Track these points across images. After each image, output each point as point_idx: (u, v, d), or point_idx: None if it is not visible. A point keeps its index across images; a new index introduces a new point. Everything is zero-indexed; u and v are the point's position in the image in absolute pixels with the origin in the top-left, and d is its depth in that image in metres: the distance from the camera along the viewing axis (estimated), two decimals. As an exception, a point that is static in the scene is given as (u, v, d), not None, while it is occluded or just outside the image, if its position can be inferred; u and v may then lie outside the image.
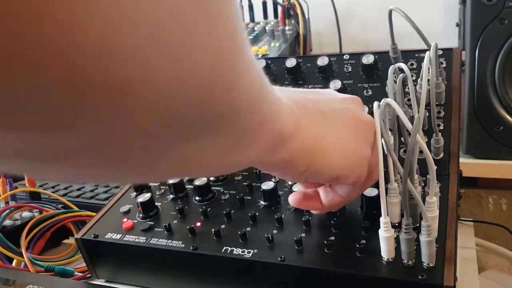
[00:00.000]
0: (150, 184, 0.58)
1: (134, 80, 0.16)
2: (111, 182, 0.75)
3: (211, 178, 0.56)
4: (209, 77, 0.19)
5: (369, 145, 0.38)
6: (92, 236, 0.50)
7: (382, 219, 0.38)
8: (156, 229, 0.50)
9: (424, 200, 0.39)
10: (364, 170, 0.37)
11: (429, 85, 0.47)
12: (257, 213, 0.48)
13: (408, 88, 0.45)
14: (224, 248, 0.45)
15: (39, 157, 0.19)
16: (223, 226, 0.48)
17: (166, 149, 0.21)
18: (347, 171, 0.36)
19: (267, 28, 1.07)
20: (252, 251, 0.44)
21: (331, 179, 0.37)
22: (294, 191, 0.48)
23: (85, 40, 0.14)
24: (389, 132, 0.43)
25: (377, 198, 0.42)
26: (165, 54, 0.17)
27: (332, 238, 0.43)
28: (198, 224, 0.49)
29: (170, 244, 0.47)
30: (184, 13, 0.17)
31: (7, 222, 0.64)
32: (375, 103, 0.38)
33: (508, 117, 0.75)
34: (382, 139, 0.38)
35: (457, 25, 0.97)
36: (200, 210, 0.50)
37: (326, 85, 0.57)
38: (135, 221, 0.51)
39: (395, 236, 0.39)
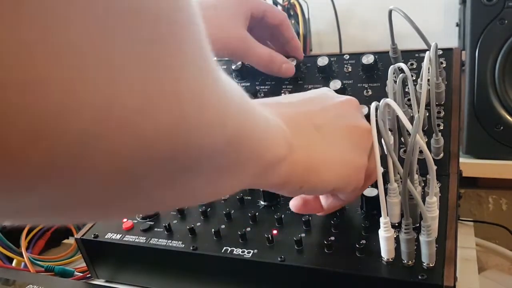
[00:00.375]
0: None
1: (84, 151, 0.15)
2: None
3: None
4: (169, 136, 0.18)
5: (365, 153, 0.37)
6: (92, 236, 0.50)
7: (382, 219, 0.38)
8: (156, 229, 0.50)
9: (424, 200, 0.39)
10: (361, 179, 0.37)
11: (429, 85, 0.47)
12: (257, 213, 0.48)
13: (408, 88, 0.45)
14: (224, 248, 0.45)
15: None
16: (223, 226, 0.48)
17: (135, 197, 0.20)
18: (343, 183, 0.36)
19: (267, 28, 1.07)
20: (252, 251, 0.44)
21: (327, 193, 0.37)
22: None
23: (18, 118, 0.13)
24: (389, 132, 0.43)
25: (377, 198, 0.42)
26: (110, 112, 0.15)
27: (332, 238, 0.43)
28: (199, 224, 0.49)
29: (170, 244, 0.47)
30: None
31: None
32: (373, 104, 0.38)
33: (508, 117, 0.75)
34: (382, 139, 0.38)
35: (457, 25, 0.97)
36: (200, 210, 0.50)
37: (326, 85, 0.57)
38: (135, 221, 0.52)
39: (395, 236, 0.39)
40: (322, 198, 0.41)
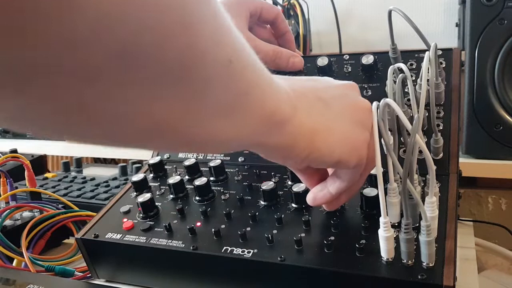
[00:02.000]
0: (150, 184, 0.58)
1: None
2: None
3: (211, 178, 0.56)
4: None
5: (367, 130, 0.38)
6: (93, 236, 0.50)
7: (381, 219, 0.38)
8: (156, 229, 0.50)
9: (423, 200, 0.39)
10: (364, 153, 0.38)
11: (428, 85, 0.47)
12: (257, 213, 0.48)
13: (408, 88, 0.45)
14: (224, 248, 0.45)
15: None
16: (223, 226, 0.48)
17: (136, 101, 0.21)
18: (348, 154, 0.37)
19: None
20: (252, 251, 0.44)
21: (332, 163, 0.37)
22: (294, 191, 0.48)
23: None
24: (389, 132, 0.43)
25: (377, 198, 0.42)
26: None
27: (332, 238, 0.43)
28: (198, 224, 0.49)
29: (170, 244, 0.47)
30: None
31: (8, 222, 0.64)
32: (374, 103, 0.38)
33: (508, 117, 0.75)
34: (382, 139, 0.38)
35: (457, 25, 0.97)
36: (200, 210, 0.50)
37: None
38: (135, 221, 0.52)
39: (394, 236, 0.39)
40: (330, 184, 0.42)
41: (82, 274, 0.56)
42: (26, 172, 0.74)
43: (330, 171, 0.43)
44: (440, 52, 0.55)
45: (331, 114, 0.36)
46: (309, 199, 0.43)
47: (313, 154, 0.35)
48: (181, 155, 0.63)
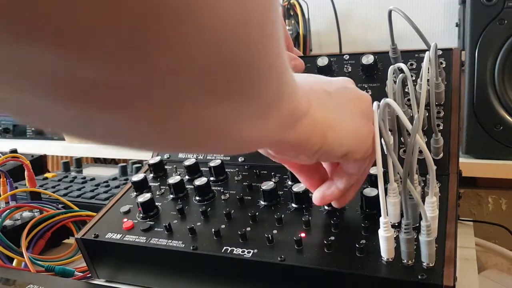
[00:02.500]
0: (150, 184, 0.58)
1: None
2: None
3: (212, 178, 0.56)
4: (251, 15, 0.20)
5: (370, 121, 0.39)
6: (93, 236, 0.50)
7: (381, 219, 0.38)
8: (156, 229, 0.50)
9: (424, 200, 0.39)
10: (370, 144, 0.39)
11: (428, 85, 0.47)
12: (257, 213, 0.48)
13: (408, 88, 0.45)
14: (224, 248, 0.45)
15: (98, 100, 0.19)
16: (223, 226, 0.48)
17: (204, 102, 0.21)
18: (356, 146, 0.37)
19: (267, 28, 1.07)
20: (252, 251, 0.44)
21: (342, 156, 0.38)
22: (294, 191, 0.48)
23: None
24: (389, 132, 0.43)
25: (377, 198, 0.42)
26: None
27: (332, 238, 0.43)
28: (199, 224, 0.49)
29: (170, 244, 0.47)
30: None
31: (8, 222, 0.64)
32: (375, 103, 0.38)
33: (508, 117, 0.75)
34: (382, 139, 0.38)
35: (457, 25, 0.97)
36: (200, 210, 0.50)
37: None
38: (135, 221, 0.52)
39: (395, 236, 0.39)
40: (336, 179, 0.42)
41: (82, 274, 0.56)
42: (26, 172, 0.74)
43: (327, 168, 0.43)
44: (440, 52, 0.55)
45: (338, 106, 0.37)
46: (317, 198, 0.43)
47: (324, 147, 0.35)
48: (181, 155, 0.63)
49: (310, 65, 0.60)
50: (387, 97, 0.41)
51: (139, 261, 0.50)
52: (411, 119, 0.42)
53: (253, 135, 0.28)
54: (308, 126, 0.33)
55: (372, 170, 0.47)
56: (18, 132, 1.20)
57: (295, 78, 0.31)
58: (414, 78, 0.52)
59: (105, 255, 0.52)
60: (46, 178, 0.89)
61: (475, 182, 0.97)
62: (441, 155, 0.49)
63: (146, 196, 0.52)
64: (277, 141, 0.33)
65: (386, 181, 0.41)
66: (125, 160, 1.11)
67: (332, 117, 0.36)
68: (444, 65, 0.54)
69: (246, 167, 0.57)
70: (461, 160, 0.52)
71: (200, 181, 0.53)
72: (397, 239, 0.39)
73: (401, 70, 0.44)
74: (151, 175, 0.60)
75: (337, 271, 0.40)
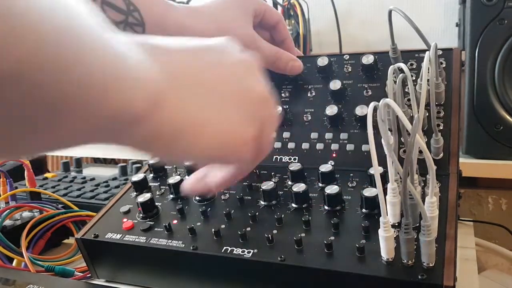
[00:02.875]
0: (150, 184, 0.58)
1: None
2: None
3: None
4: None
5: (256, 122, 0.32)
6: (92, 236, 0.50)
7: (381, 219, 0.38)
8: (156, 229, 0.50)
9: (423, 200, 0.39)
10: (247, 150, 0.32)
11: (428, 85, 0.47)
12: (257, 213, 0.48)
13: (408, 88, 0.45)
14: (224, 248, 0.45)
15: None
16: (223, 226, 0.48)
17: None
18: (222, 152, 0.31)
19: (267, 28, 1.07)
20: (252, 251, 0.44)
21: (204, 162, 0.34)
22: (294, 191, 0.48)
23: None
24: (389, 132, 0.43)
25: (377, 198, 0.42)
26: None
27: (332, 238, 0.43)
28: (199, 224, 0.49)
29: (170, 244, 0.47)
30: None
31: (8, 222, 0.64)
32: (371, 104, 0.38)
33: (508, 117, 0.75)
34: (382, 139, 0.38)
35: (457, 25, 0.97)
36: (200, 210, 0.50)
37: (326, 85, 0.57)
38: (135, 221, 0.52)
39: (395, 236, 0.39)
40: (209, 177, 0.38)
41: (82, 274, 0.56)
42: (26, 172, 0.74)
43: None
44: (440, 52, 0.55)
45: (208, 103, 0.30)
46: (185, 188, 0.38)
47: (176, 152, 0.29)
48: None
49: (310, 65, 0.60)
50: (387, 97, 0.41)
51: (139, 261, 0.50)
52: (411, 119, 0.42)
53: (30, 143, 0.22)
54: (148, 132, 0.26)
55: (371, 171, 0.47)
56: None
57: (138, 70, 0.25)
58: (414, 78, 0.52)
59: (105, 255, 0.52)
60: (46, 178, 0.89)
61: (475, 182, 0.97)
62: (441, 155, 0.49)
63: (146, 196, 0.52)
64: (104, 141, 0.27)
65: (386, 181, 0.41)
66: (125, 160, 1.11)
67: (195, 118, 0.29)
68: (444, 65, 0.54)
69: (246, 167, 0.57)
70: (461, 160, 0.52)
71: (200, 181, 0.53)
72: (397, 239, 0.39)
73: (401, 70, 0.44)
74: (151, 175, 0.60)
75: (337, 271, 0.40)
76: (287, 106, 0.59)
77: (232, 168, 0.36)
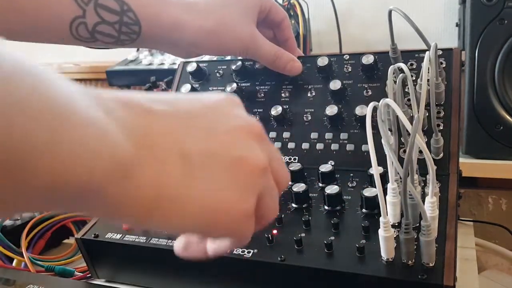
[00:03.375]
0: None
1: None
2: None
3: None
4: None
5: (252, 194, 0.29)
6: (92, 236, 0.50)
7: (381, 219, 0.38)
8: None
9: (424, 200, 0.39)
10: (244, 225, 0.29)
11: (429, 85, 0.47)
12: (257, 213, 0.48)
13: (408, 88, 0.45)
14: (224, 248, 0.45)
15: None
16: (223, 226, 0.48)
17: None
18: (213, 228, 0.28)
19: (267, 28, 1.07)
20: (252, 251, 0.44)
21: (185, 233, 0.32)
22: (294, 191, 0.48)
23: None
24: (389, 132, 0.43)
25: (377, 198, 0.42)
26: None
27: (332, 238, 0.43)
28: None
29: (170, 244, 0.47)
30: None
31: (7, 222, 0.64)
32: (370, 104, 0.38)
33: (508, 117, 0.75)
34: (382, 139, 0.38)
35: (457, 25, 0.97)
36: (200, 210, 0.50)
37: (326, 85, 0.57)
38: (135, 221, 0.51)
39: (395, 236, 0.39)
40: (208, 242, 0.34)
41: (82, 274, 0.56)
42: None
43: None
44: (440, 52, 0.55)
45: (191, 177, 0.26)
46: (178, 249, 0.34)
47: (151, 224, 0.27)
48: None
49: (310, 65, 0.60)
50: (387, 97, 0.41)
51: (139, 261, 0.50)
52: (411, 119, 0.42)
53: None
54: (116, 201, 0.23)
55: (371, 171, 0.47)
56: None
57: (108, 132, 0.22)
58: (414, 78, 0.52)
59: (105, 255, 0.52)
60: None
61: (475, 182, 0.97)
62: (441, 155, 0.49)
63: (146, 196, 0.52)
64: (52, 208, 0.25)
65: (386, 181, 0.41)
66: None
67: (170, 193, 0.25)
68: (444, 65, 0.54)
69: (246, 167, 0.57)
70: (461, 160, 0.52)
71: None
72: (397, 239, 0.39)
73: (401, 70, 0.44)
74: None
75: (337, 271, 0.40)
76: (287, 106, 0.59)
77: (230, 240, 0.32)
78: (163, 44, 0.57)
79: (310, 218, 0.45)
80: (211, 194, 0.27)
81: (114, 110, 0.24)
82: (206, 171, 0.27)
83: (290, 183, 0.52)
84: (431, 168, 0.37)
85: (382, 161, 0.39)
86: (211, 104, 0.30)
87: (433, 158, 0.41)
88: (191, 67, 0.64)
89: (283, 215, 0.47)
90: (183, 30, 0.54)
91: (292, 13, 1.08)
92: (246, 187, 0.28)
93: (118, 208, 0.24)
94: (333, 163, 0.52)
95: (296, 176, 0.52)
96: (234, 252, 0.44)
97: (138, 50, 1.14)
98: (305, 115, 0.57)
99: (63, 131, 0.20)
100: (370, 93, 0.56)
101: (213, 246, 0.34)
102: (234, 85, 0.61)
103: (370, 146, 0.37)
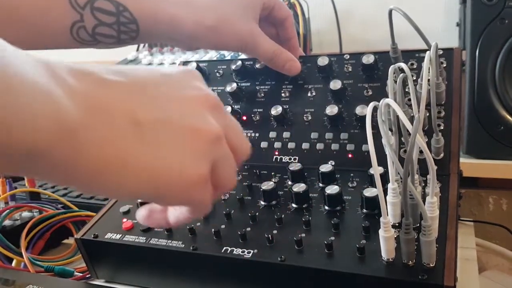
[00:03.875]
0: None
1: None
2: None
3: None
4: None
5: (204, 161, 0.29)
6: (92, 236, 0.50)
7: (382, 219, 0.38)
8: (156, 229, 0.50)
9: (424, 200, 0.39)
10: (198, 191, 0.29)
11: (429, 85, 0.47)
12: (257, 213, 0.48)
13: (409, 88, 0.44)
14: (224, 248, 0.45)
15: None
16: (223, 226, 0.48)
17: None
18: (163, 193, 0.28)
19: (267, 28, 1.07)
20: (252, 251, 0.44)
21: (145, 199, 0.32)
22: (294, 191, 0.48)
23: None
24: (389, 132, 0.43)
25: (377, 198, 0.42)
26: None
27: (332, 238, 0.43)
28: (199, 224, 0.49)
29: (170, 244, 0.47)
30: None
31: (7, 222, 0.63)
32: (370, 104, 0.38)
33: (508, 117, 0.75)
34: (382, 139, 0.38)
35: (458, 24, 0.97)
36: (200, 210, 0.50)
37: (326, 85, 0.57)
38: (135, 221, 0.51)
39: (395, 236, 0.39)
40: (170, 210, 0.35)
41: (81, 274, 0.56)
42: (25, 172, 0.74)
43: None
44: (441, 52, 0.55)
45: (143, 143, 0.27)
46: (141, 217, 0.35)
47: (97, 188, 0.27)
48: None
49: (310, 64, 0.60)
50: (387, 97, 0.41)
51: (139, 261, 0.50)
52: (411, 119, 0.42)
53: None
54: (54, 165, 0.24)
55: (371, 171, 0.47)
56: None
57: (54, 99, 0.23)
58: (414, 78, 0.52)
59: (105, 255, 0.52)
60: (46, 178, 0.89)
61: (476, 182, 0.97)
62: (442, 155, 0.49)
63: (145, 196, 0.52)
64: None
65: (386, 181, 0.41)
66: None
67: (117, 154, 0.26)
68: (444, 65, 0.54)
69: (246, 167, 0.57)
70: (461, 160, 0.52)
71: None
72: (397, 239, 0.39)
73: (402, 70, 0.44)
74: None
75: (337, 272, 0.40)
76: (287, 106, 0.59)
77: (189, 208, 0.33)
78: (164, 39, 0.58)
79: (310, 218, 0.45)
80: (161, 160, 0.27)
81: (65, 79, 0.25)
82: (157, 138, 0.27)
83: (290, 183, 0.52)
84: (432, 168, 0.37)
85: (382, 161, 0.39)
86: (169, 74, 0.31)
87: (433, 158, 0.41)
88: (191, 67, 0.64)
89: (283, 215, 0.47)
90: (180, 26, 0.54)
91: (292, 13, 1.08)
92: (198, 154, 0.29)
93: (65, 171, 0.25)
94: (333, 163, 0.52)
95: (296, 176, 0.51)
96: (234, 252, 0.44)
97: (138, 50, 1.14)
98: (305, 115, 0.57)
99: (9, 96, 0.21)
100: (370, 93, 0.56)
101: (175, 214, 0.34)
102: (234, 85, 0.61)
103: (370, 146, 0.37)
